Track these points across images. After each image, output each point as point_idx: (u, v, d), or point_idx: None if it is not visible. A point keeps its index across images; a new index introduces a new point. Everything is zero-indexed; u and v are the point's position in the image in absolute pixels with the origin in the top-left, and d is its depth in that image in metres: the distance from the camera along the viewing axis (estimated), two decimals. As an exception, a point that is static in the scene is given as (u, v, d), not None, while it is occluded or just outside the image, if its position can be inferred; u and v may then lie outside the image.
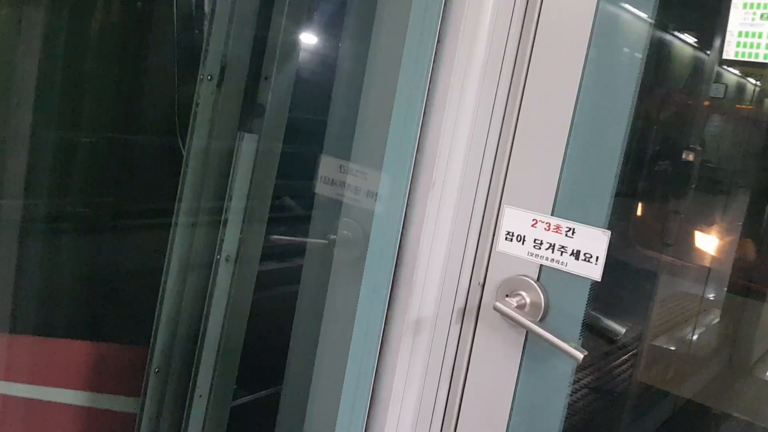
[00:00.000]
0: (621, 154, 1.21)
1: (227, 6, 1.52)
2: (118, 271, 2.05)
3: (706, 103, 3.69)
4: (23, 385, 1.77)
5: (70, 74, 1.85)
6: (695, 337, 3.30)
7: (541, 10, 1.26)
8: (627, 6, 1.24)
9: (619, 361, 3.17)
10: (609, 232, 1.20)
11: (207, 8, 1.59)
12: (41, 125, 1.88)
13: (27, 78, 1.85)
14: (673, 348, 3.30)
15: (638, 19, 1.23)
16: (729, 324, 3.28)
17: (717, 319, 3.36)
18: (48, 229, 1.99)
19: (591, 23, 1.21)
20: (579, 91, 1.22)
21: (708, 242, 3.58)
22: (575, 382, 3.04)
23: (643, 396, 2.97)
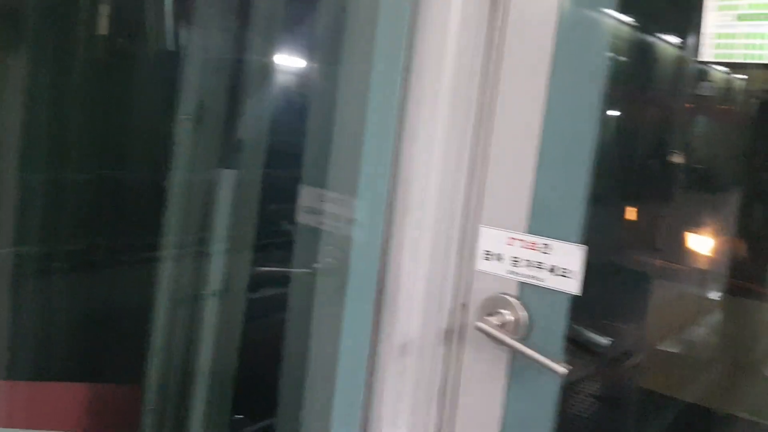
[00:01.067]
0: (590, 169, 1.22)
1: (200, 45, 1.55)
2: (114, 310, 2.06)
3: (687, 105, 3.70)
4: (22, 431, 1.78)
5: (54, 116, 1.88)
6: (695, 340, 3.29)
7: (506, 32, 1.29)
8: (589, 18, 1.26)
9: (619, 369, 3.16)
10: (584, 246, 1.22)
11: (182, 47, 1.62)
12: (28, 167, 1.90)
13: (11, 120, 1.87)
14: (674, 352, 3.29)
15: (602, 30, 1.25)
16: (729, 326, 3.28)
17: (716, 322, 3.35)
18: (41, 272, 2.00)
19: (552, 47, 1.23)
20: (546, 110, 1.24)
21: (702, 244, 3.58)
22: (578, 392, 3.03)
23: (644, 402, 2.96)
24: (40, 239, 1.98)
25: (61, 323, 1.96)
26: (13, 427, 1.78)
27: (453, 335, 1.37)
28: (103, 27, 2.04)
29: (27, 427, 1.81)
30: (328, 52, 1.43)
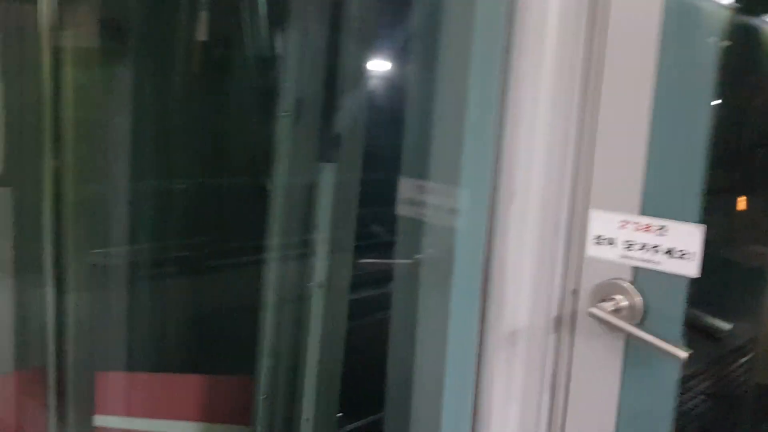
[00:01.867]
0: (706, 144, 1.16)
1: (298, 44, 1.58)
2: (222, 308, 2.14)
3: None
4: (143, 419, 1.87)
5: (161, 124, 1.97)
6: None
7: (610, 7, 1.25)
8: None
9: (735, 363, 3.00)
10: (702, 226, 1.16)
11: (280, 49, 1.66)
12: (138, 174, 2.00)
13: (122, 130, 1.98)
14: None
15: (711, 4, 1.19)
16: None
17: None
18: (155, 273, 2.11)
19: (661, 18, 1.18)
20: (656, 83, 1.19)
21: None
22: (690, 388, 2.89)
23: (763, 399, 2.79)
24: (153, 242, 2.08)
25: (177, 320, 2.05)
26: (132, 416, 1.88)
27: (564, 323, 1.34)
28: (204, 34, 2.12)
29: (146, 416, 1.90)
30: (426, 40, 1.42)
